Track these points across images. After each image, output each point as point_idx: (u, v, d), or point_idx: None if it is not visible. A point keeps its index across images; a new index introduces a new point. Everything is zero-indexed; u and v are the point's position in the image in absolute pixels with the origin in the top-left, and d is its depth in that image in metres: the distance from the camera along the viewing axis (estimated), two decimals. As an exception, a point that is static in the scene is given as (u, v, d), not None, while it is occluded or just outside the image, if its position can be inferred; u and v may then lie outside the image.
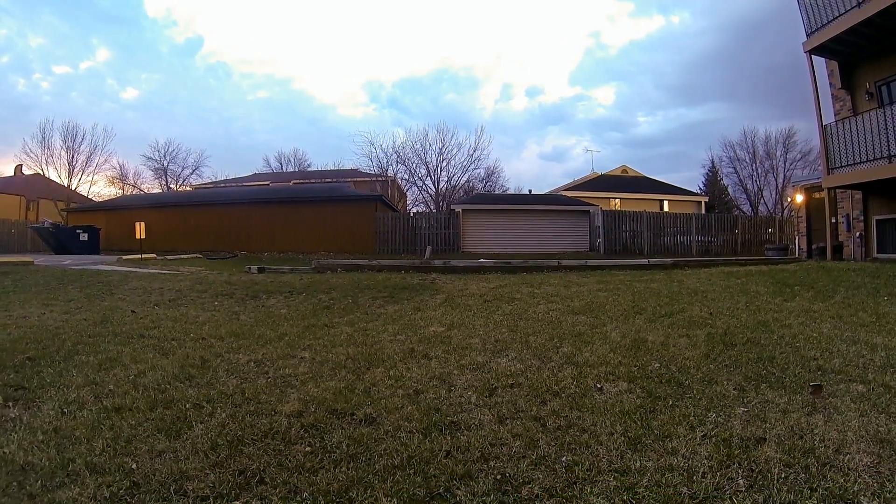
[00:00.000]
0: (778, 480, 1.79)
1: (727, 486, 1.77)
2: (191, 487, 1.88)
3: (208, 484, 1.90)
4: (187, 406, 2.73)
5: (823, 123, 12.93)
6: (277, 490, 1.85)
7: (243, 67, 73.43)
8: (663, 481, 1.81)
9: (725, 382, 2.89)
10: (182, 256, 17.54)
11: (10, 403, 2.81)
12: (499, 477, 1.89)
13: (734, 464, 1.93)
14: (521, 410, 2.54)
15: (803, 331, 4.24)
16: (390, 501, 1.73)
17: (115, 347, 4.09)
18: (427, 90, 71.57)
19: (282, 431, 2.37)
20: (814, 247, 14.41)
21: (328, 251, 19.37)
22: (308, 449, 2.18)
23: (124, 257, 15.97)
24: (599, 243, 21.81)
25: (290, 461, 2.07)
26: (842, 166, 12.39)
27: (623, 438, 2.18)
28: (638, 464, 1.95)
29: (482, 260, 12.65)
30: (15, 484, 1.94)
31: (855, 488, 1.72)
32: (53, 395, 2.92)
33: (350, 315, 5.60)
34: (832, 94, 14.46)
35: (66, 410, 2.69)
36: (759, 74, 61.35)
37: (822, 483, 1.76)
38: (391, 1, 70.98)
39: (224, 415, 2.60)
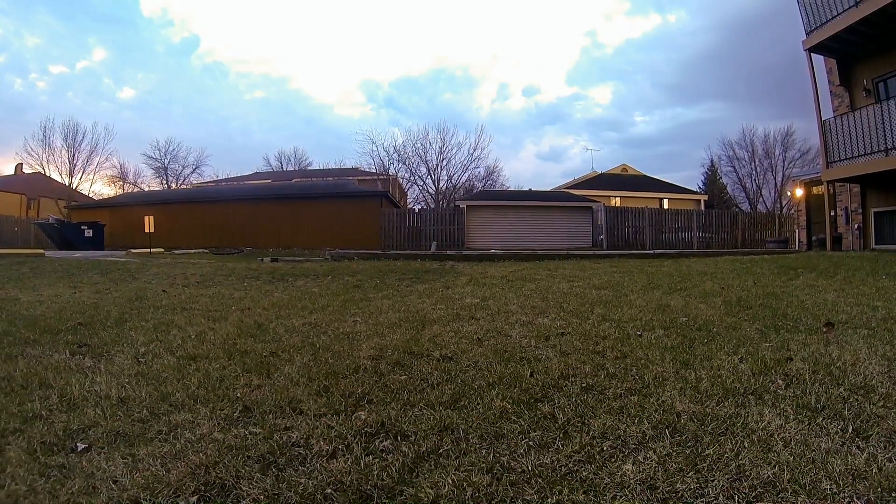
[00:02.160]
0: (809, 381, 2.18)
1: (770, 385, 2.17)
2: (305, 408, 2.03)
3: (321, 405, 2.06)
4: (264, 354, 2.87)
5: (822, 119, 13.36)
6: (392, 405, 2.05)
7: (239, 67, 73.64)
8: (718, 382, 2.21)
9: (748, 329, 3.29)
10: (189, 251, 17.80)
11: (80, 356, 2.90)
12: (583, 385, 2.25)
13: (772, 372, 2.33)
14: (578, 349, 2.90)
15: (810, 298, 4.63)
16: (501, 403, 2.03)
17: (163, 316, 4.22)
18: (423, 90, 71.91)
19: (370, 368, 2.56)
20: (814, 238, 14.85)
21: (333, 247, 19.62)
22: (404, 378, 2.41)
23: (133, 251, 16.20)
24: (602, 239, 22.20)
25: (391, 387, 2.27)
26: (840, 160, 12.83)
27: (674, 362, 2.56)
28: (694, 375, 2.34)
29: (493, 250, 13.02)
30: (119, 413, 2.02)
31: (873, 382, 2.12)
32: (122, 350, 3.02)
33: (383, 292, 5.93)
34: (831, 91, 14.90)
35: (141, 360, 2.79)
36: (756, 73, 62.17)
37: (846, 380, 2.17)
38: (386, 0, 71.29)
39: (305, 359, 2.74)
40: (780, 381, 2.17)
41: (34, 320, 3.96)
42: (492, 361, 2.67)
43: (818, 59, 14.31)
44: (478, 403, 2.06)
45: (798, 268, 7.57)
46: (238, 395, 2.22)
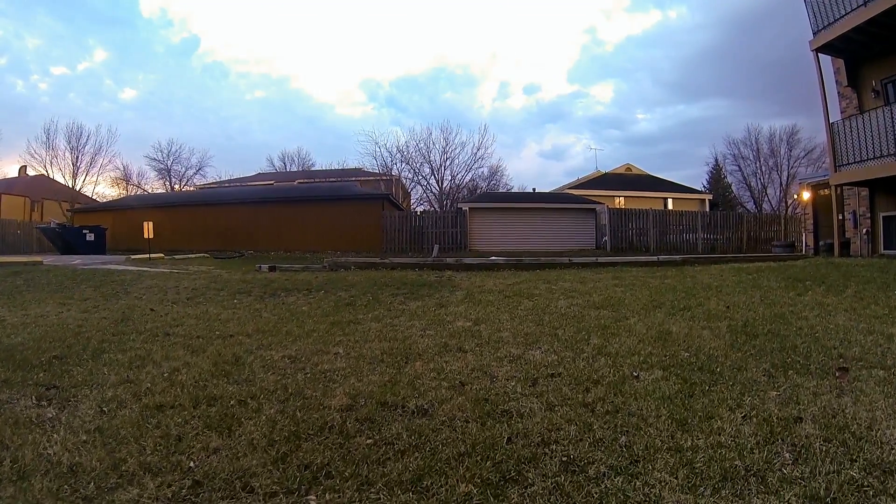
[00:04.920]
0: (820, 454, 1.95)
1: (775, 460, 1.93)
2: (257, 484, 1.85)
3: (274, 480, 1.87)
4: (231, 403, 2.70)
5: (830, 121, 13.07)
6: (348, 483, 1.84)
7: (239, 67, 73.64)
8: (717, 456, 1.96)
9: (754, 369, 3.05)
10: (189, 256, 17.72)
11: (45, 402, 2.77)
12: (564, 459, 2.00)
13: (778, 440, 2.09)
14: (567, 398, 2.67)
15: (820, 322, 4.39)
16: (467, 487, 1.78)
17: (142, 345, 4.06)
18: (424, 89, 71.59)
19: (337, 426, 2.36)
20: (821, 243, 14.55)
21: (335, 250, 19.48)
22: (369, 441, 2.20)
23: (133, 257, 16.08)
24: (605, 241, 21.94)
25: (354, 454, 2.07)
26: (849, 163, 12.53)
27: (670, 420, 2.32)
28: (689, 442, 2.09)
29: (493, 258, 12.80)
30: (66, 487, 1.88)
31: (891, 458, 1.89)
32: (89, 394, 2.88)
33: (374, 311, 5.72)
34: (838, 92, 14.58)
35: (105, 409, 2.65)
36: (758, 70, 61.42)
37: (861, 455, 1.93)
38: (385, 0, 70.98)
39: (272, 410, 2.57)
40: (787, 455, 1.95)
41: (12, 351, 3.83)
42: (469, 417, 2.46)
43: (825, 60, 14.00)
44: (442, 485, 1.85)
45: (806, 280, 7.32)
46: (192, 464, 2.05)
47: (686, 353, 3.44)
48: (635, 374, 3.04)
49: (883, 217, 13.26)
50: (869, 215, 13.54)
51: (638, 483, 1.81)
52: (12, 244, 22.12)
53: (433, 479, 1.88)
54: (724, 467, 1.89)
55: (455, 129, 47.48)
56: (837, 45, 13.10)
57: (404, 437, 2.25)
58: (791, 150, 38.82)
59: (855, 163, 12.39)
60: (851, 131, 12.50)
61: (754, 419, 2.30)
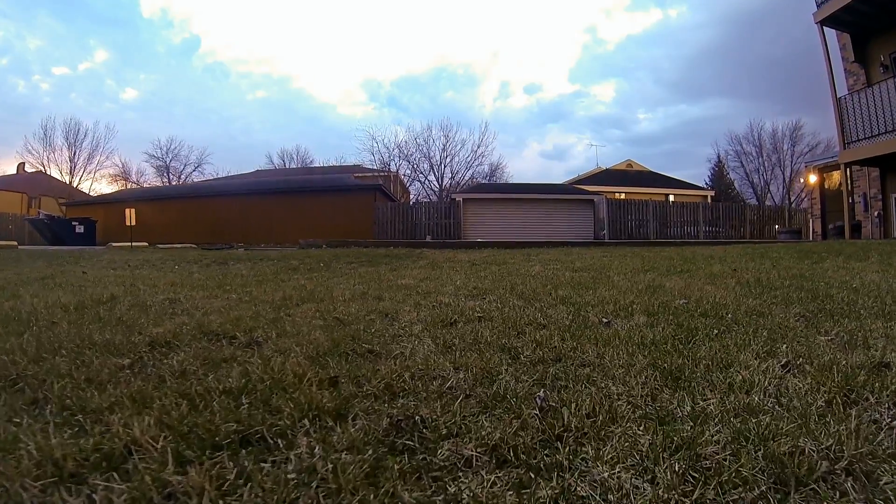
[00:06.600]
0: None
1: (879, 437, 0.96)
2: None
3: None
4: (41, 324, 2.27)
5: (838, 96, 12.16)
6: (18, 397, 1.35)
7: (240, 67, 72.13)
8: (750, 431, 0.97)
9: (782, 314, 2.09)
10: (175, 246, 16.92)
11: None
12: (399, 419, 1.07)
13: (866, 398, 1.15)
14: (482, 341, 1.74)
15: (852, 279, 3.45)
16: (145, 428, 1.01)
17: (27, 290, 3.65)
18: (425, 88, 70.23)
19: (112, 346, 1.80)
20: (830, 226, 13.58)
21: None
22: (126, 362, 1.62)
23: (114, 245, 15.36)
24: (604, 234, 21.00)
25: (79, 372, 1.53)
26: (858, 140, 11.64)
27: (652, 371, 1.37)
28: (688, 406, 1.13)
29: (478, 239, 11.89)
30: None
31: None
32: None
33: (315, 273, 4.85)
34: (845, 69, 13.70)
35: None
36: (760, 68, 60.11)
37: None
38: (386, -1, 69.86)
39: (65, 330, 2.09)
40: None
41: None
42: (309, 354, 1.61)
43: (831, 35, 13.10)
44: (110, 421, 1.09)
45: (821, 252, 6.39)
46: None
47: (683, 301, 2.47)
48: (605, 320, 2.07)
49: (895, 198, 12.35)
50: (880, 197, 12.63)
51: (554, 491, 0.78)
52: (5, 238, 21.55)
53: (120, 414, 1.17)
54: (779, 453, 0.89)
55: (455, 127, 46.16)
56: (842, 16, 12.21)
57: (175, 364, 1.59)
58: (794, 147, 37.82)
59: (865, 139, 11.49)
60: (860, 107, 11.60)
61: (807, 368, 1.34)
